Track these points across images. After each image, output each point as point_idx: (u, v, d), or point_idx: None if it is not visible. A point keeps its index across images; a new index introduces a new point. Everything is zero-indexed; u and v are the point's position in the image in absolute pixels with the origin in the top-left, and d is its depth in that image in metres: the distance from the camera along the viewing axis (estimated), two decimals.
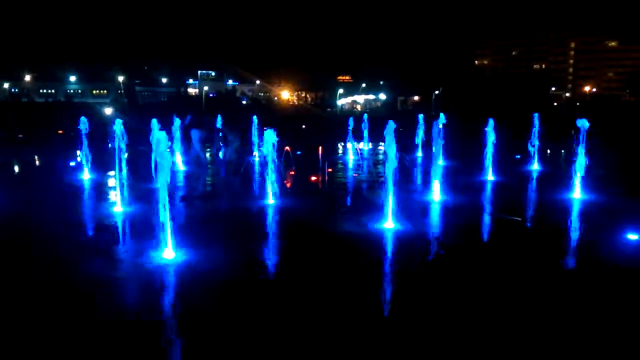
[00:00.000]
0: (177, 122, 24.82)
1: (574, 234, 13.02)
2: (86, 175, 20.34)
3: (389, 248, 11.62)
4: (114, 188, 15.02)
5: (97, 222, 14.16)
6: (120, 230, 13.34)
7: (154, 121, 16.52)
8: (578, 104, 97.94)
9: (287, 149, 22.04)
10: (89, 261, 10.33)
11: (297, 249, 11.41)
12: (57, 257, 10.44)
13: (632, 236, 11.60)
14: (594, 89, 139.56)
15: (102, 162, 21.35)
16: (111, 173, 18.91)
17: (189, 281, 9.37)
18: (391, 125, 12.32)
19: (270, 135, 14.99)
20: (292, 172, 21.52)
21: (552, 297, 8.61)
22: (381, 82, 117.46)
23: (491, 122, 20.24)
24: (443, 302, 8.35)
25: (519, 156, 24.69)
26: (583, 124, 16.19)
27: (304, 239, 12.07)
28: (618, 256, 10.60)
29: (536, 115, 23.05)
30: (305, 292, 8.74)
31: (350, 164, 26.42)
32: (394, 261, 10.77)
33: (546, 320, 7.67)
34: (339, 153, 30.80)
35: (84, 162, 20.62)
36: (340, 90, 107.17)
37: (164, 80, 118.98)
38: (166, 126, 18.76)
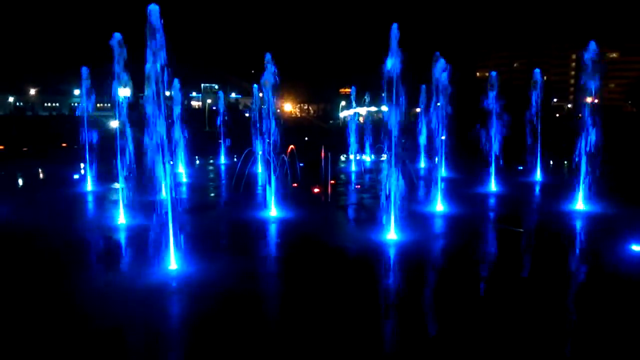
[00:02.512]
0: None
1: (575, 245, 12.99)
2: (90, 188, 20.48)
3: (390, 263, 11.55)
4: (117, 200, 15.06)
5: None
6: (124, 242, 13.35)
7: None
8: (580, 115, 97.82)
9: (291, 147, 21.96)
10: (92, 271, 10.36)
11: (297, 262, 11.39)
12: (58, 267, 10.48)
13: (636, 247, 11.53)
14: (596, 100, 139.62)
15: (106, 175, 21.42)
16: (115, 185, 18.97)
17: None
18: (393, 136, 12.33)
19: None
20: (295, 185, 21.54)
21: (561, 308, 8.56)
22: (383, 94, 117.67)
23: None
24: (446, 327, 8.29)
25: (520, 167, 24.70)
26: None
27: (305, 253, 12.05)
28: (621, 267, 10.58)
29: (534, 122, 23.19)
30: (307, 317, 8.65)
31: (353, 176, 26.44)
32: (394, 279, 10.68)
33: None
34: (341, 164, 30.82)
35: (87, 174, 20.80)
36: (343, 102, 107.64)
37: (167, 93, 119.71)
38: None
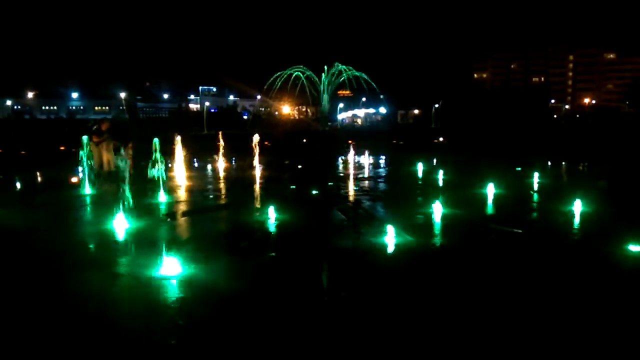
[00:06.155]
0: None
1: (573, 242, 13.03)
2: (87, 191, 20.48)
3: (390, 261, 11.58)
4: (115, 203, 15.07)
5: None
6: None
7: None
8: (578, 115, 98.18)
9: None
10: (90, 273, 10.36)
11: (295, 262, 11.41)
12: (57, 271, 10.48)
13: (633, 247, 11.56)
14: (594, 101, 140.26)
15: (104, 177, 21.40)
16: (114, 188, 18.97)
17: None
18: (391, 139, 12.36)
19: None
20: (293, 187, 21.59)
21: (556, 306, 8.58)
22: (381, 96, 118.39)
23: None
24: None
25: (519, 168, 24.77)
26: None
27: (302, 251, 12.08)
28: (620, 266, 10.62)
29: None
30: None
31: (351, 178, 26.47)
32: (395, 276, 10.72)
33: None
34: (339, 167, 30.88)
35: (85, 177, 20.84)
36: (341, 105, 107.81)
37: (166, 96, 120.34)
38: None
